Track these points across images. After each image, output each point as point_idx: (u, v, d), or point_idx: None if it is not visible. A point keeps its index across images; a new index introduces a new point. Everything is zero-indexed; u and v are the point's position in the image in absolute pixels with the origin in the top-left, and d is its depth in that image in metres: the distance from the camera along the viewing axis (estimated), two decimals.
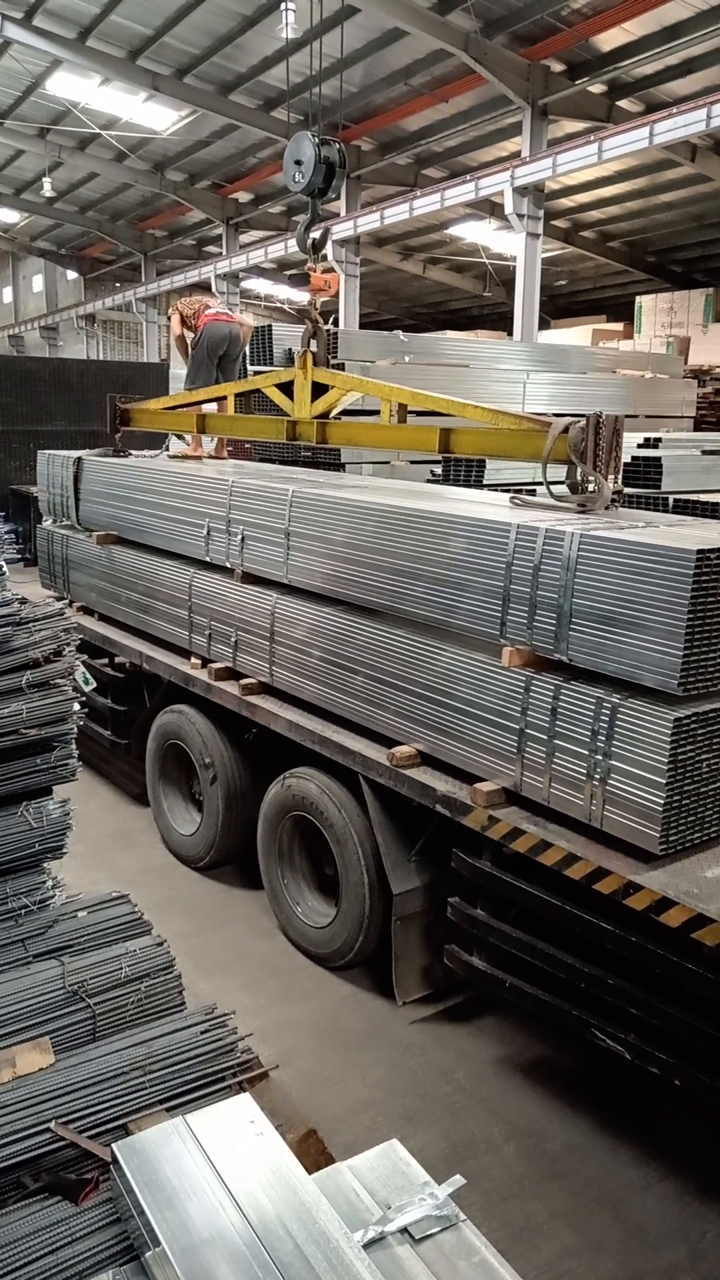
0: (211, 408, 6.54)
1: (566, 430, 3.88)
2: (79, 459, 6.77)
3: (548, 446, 3.93)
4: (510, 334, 15.59)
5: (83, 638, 5.96)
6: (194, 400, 6.57)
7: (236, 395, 6.18)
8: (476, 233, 20.65)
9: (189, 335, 7.29)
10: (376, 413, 5.25)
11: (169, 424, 6.93)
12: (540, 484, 4.06)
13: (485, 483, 7.21)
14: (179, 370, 8.99)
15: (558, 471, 4.03)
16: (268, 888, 5.00)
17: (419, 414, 5.40)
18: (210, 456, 7.12)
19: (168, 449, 7.61)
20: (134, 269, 29.14)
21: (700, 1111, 3.24)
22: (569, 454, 3.89)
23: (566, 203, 18.92)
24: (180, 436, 7.11)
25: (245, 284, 25.43)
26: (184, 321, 7.35)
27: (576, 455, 3.86)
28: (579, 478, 3.93)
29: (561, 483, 4.05)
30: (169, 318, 7.49)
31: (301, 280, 5.86)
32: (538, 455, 4.00)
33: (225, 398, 6.32)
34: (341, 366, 7.38)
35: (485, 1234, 1.94)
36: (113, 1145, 2.16)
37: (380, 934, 4.32)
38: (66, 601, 6.90)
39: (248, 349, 8.40)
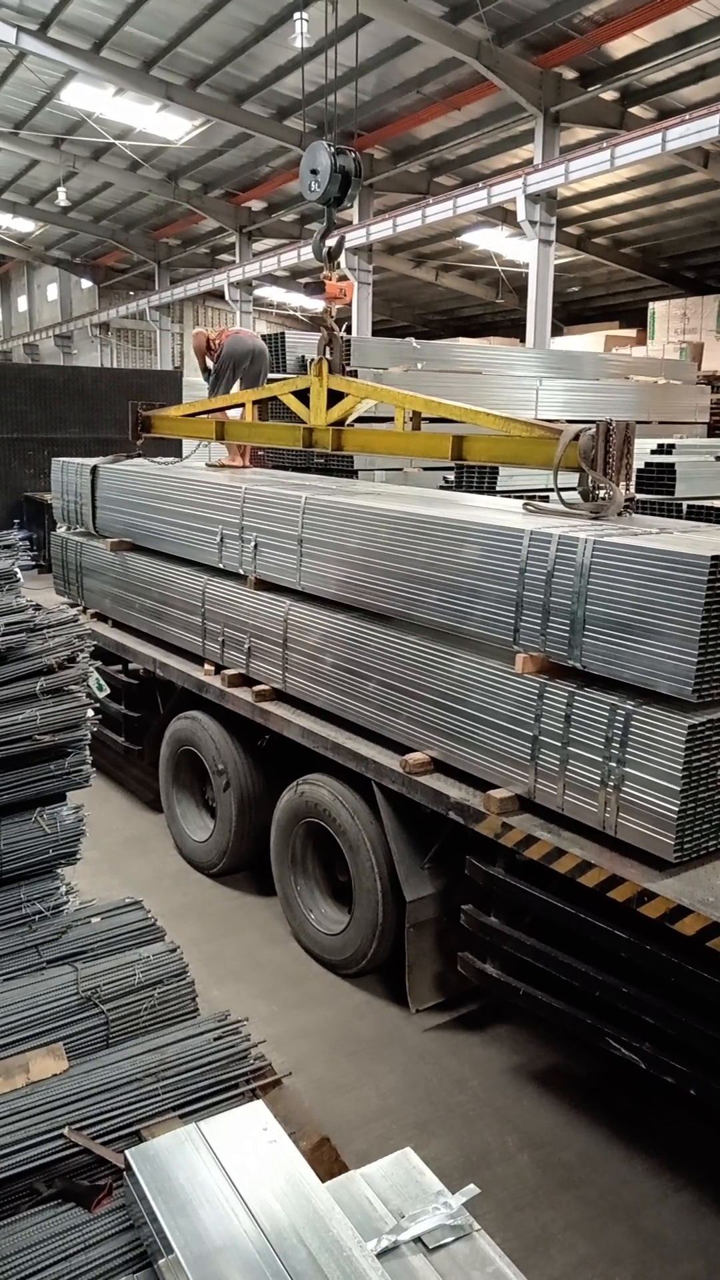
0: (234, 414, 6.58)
1: (577, 438, 3.88)
2: (95, 467, 6.81)
3: (558, 454, 3.93)
4: (523, 341, 15.60)
5: (96, 644, 5.94)
6: (214, 407, 6.61)
7: (254, 403, 6.22)
8: (489, 240, 20.67)
9: (210, 361, 7.29)
10: (390, 419, 5.27)
11: (188, 431, 6.97)
12: (553, 490, 4.06)
13: (498, 489, 7.22)
14: (191, 377, 9.02)
15: (571, 479, 4.02)
16: (281, 894, 5.00)
17: (432, 421, 5.41)
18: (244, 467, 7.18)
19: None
20: (148, 277, 29.30)
21: (715, 1122, 3.22)
22: (579, 461, 3.89)
23: (579, 209, 18.90)
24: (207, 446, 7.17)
25: (258, 292, 25.50)
26: (208, 345, 7.31)
27: (587, 463, 3.86)
28: (590, 485, 3.92)
29: (573, 489, 4.04)
30: (194, 340, 7.40)
31: (316, 288, 5.89)
32: (549, 463, 4.00)
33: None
34: (355, 373, 7.39)
35: (499, 1244, 1.94)
36: (126, 1152, 2.17)
37: (394, 941, 4.32)
38: (80, 608, 6.92)
39: None
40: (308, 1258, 1.83)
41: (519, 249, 18.89)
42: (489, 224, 19.40)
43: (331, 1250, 1.84)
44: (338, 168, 5.25)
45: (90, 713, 3.28)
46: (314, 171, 5.37)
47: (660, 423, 10.87)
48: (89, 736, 3.28)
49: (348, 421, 5.51)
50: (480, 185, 15.01)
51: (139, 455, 7.01)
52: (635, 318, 19.95)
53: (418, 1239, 1.92)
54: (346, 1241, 1.85)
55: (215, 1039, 2.78)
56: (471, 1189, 2.04)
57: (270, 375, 8.21)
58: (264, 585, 5.02)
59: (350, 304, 17.85)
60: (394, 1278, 1.82)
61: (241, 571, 5.17)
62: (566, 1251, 3.13)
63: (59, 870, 3.27)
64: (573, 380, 10.50)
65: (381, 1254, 1.88)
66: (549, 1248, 3.14)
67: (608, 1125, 3.67)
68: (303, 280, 26.55)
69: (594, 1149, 3.57)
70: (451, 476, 7.80)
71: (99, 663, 6.25)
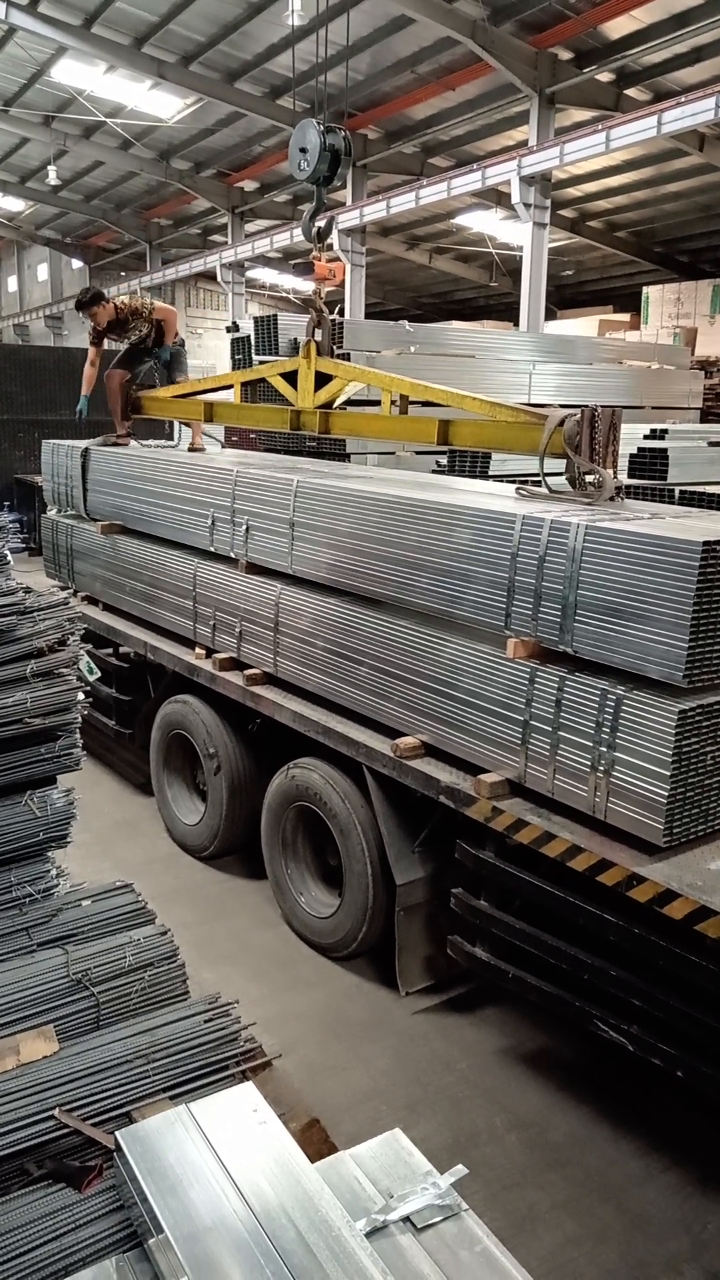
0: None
1: (562, 423, 3.86)
2: (86, 449, 6.76)
3: (544, 439, 3.92)
4: (516, 324, 15.53)
5: (87, 627, 5.97)
6: (202, 389, 6.58)
7: (242, 384, 6.19)
8: (483, 222, 20.52)
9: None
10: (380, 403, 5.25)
11: (177, 412, 6.94)
12: (543, 475, 4.05)
13: (490, 474, 7.20)
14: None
15: (561, 464, 4.02)
16: (271, 878, 5.01)
17: (425, 405, 5.39)
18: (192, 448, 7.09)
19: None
20: (139, 258, 29.02)
21: (702, 1104, 3.25)
22: (565, 447, 3.88)
23: (573, 192, 18.77)
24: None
25: (251, 273, 25.32)
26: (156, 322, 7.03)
27: (571, 448, 3.85)
28: (576, 471, 3.92)
29: (560, 474, 4.03)
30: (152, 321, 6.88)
31: (307, 269, 5.82)
32: (535, 448, 3.99)
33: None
34: (347, 356, 7.35)
35: (487, 1223, 1.95)
36: (116, 1133, 2.18)
37: (384, 925, 4.33)
38: (71, 591, 6.90)
39: (252, 338, 8.44)
40: (297, 1237, 1.84)
41: (513, 232, 18.75)
42: (483, 206, 19.26)
43: (320, 1230, 1.85)
44: (327, 146, 5.20)
45: (81, 696, 3.27)
46: (303, 150, 5.32)
47: (653, 408, 10.83)
48: (79, 720, 3.28)
49: (335, 404, 5.49)
50: (475, 167, 14.89)
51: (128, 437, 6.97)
52: (629, 302, 19.87)
53: (406, 1219, 1.94)
54: (335, 1221, 1.87)
55: (206, 1021, 2.79)
56: (460, 1169, 2.05)
57: (261, 357, 8.19)
58: (255, 569, 5.00)
59: (340, 285, 17.72)
60: (383, 1257, 1.83)
61: (233, 555, 5.16)
62: (554, 1230, 3.16)
63: (49, 853, 3.27)
64: (566, 364, 10.44)
65: (370, 1234, 1.89)
66: (536, 1227, 3.17)
67: (595, 1107, 3.70)
68: (295, 262, 26.36)
69: (581, 1130, 3.60)
70: (444, 460, 7.77)
71: (90, 646, 6.21)
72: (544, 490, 4.07)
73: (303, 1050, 3.94)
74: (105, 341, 6.85)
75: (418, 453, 8.14)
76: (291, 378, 5.61)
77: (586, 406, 3.85)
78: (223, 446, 7.77)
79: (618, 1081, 3.84)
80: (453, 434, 4.63)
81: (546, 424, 3.92)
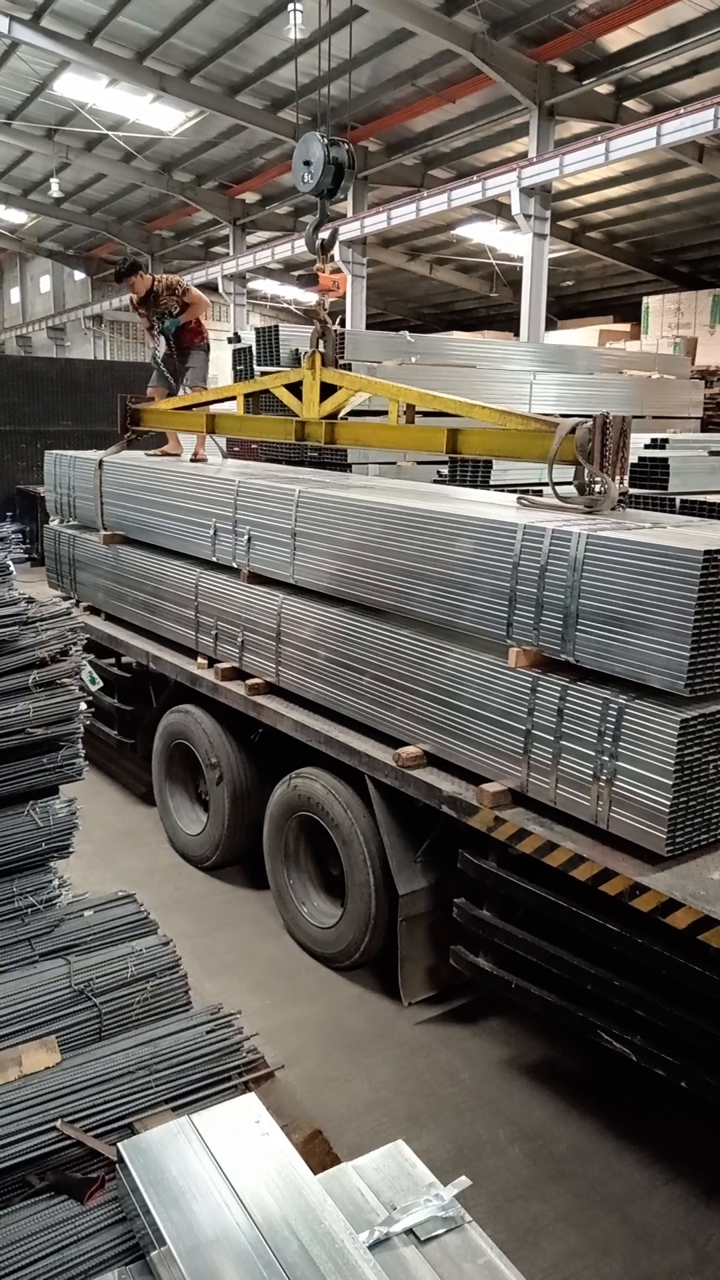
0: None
1: (574, 431, 3.87)
2: (101, 462, 6.71)
3: (554, 447, 3.92)
4: (517, 335, 15.57)
5: (89, 637, 5.96)
6: (203, 400, 6.59)
7: (245, 396, 6.19)
8: (483, 233, 20.61)
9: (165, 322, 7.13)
10: (384, 413, 5.26)
11: (177, 424, 6.95)
12: (547, 484, 4.05)
13: (492, 483, 7.20)
14: None
15: (564, 472, 4.02)
16: (274, 888, 5.00)
17: (426, 414, 5.40)
18: (195, 458, 7.09)
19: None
20: None
21: (707, 1114, 3.23)
22: (576, 455, 3.88)
23: (573, 203, 18.87)
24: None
25: (252, 284, 25.42)
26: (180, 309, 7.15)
27: (583, 456, 3.86)
28: (586, 479, 3.92)
29: (568, 483, 4.04)
30: (179, 298, 7.03)
31: (310, 281, 5.82)
32: (545, 456, 4.00)
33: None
34: (349, 367, 7.37)
35: (491, 1235, 1.94)
36: (118, 1144, 2.16)
37: (386, 935, 4.32)
38: (73, 601, 6.88)
39: (254, 349, 8.45)
40: (300, 1250, 1.83)
41: (513, 243, 18.82)
42: (483, 217, 19.34)
43: (323, 1242, 1.84)
44: (330, 159, 5.22)
45: (83, 706, 3.28)
46: (307, 163, 5.34)
47: (654, 417, 10.85)
48: (82, 730, 3.28)
49: (341, 415, 5.50)
50: (475, 178, 14.95)
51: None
52: (629, 312, 19.92)
53: (409, 1231, 1.92)
54: (338, 1233, 1.86)
55: (208, 1032, 2.78)
56: (463, 1181, 2.04)
57: (263, 368, 8.20)
58: (257, 579, 5.01)
59: (343, 296, 17.80)
60: (386, 1269, 1.82)
61: (235, 565, 5.17)
62: (557, 1243, 3.14)
63: (52, 864, 3.27)
64: (567, 374, 10.46)
65: (373, 1246, 1.88)
66: (540, 1239, 3.15)
67: (599, 1118, 3.69)
68: (296, 273, 26.44)
69: (585, 1141, 3.58)
70: (445, 470, 7.79)
71: (91, 656, 6.21)
72: (545, 499, 4.08)
73: (305, 1061, 3.93)
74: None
75: (419, 463, 8.15)
76: (296, 389, 5.62)
77: (599, 414, 3.86)
78: (224, 456, 7.77)
79: (621, 1092, 3.82)
80: (461, 442, 4.63)
81: (558, 432, 3.92)
